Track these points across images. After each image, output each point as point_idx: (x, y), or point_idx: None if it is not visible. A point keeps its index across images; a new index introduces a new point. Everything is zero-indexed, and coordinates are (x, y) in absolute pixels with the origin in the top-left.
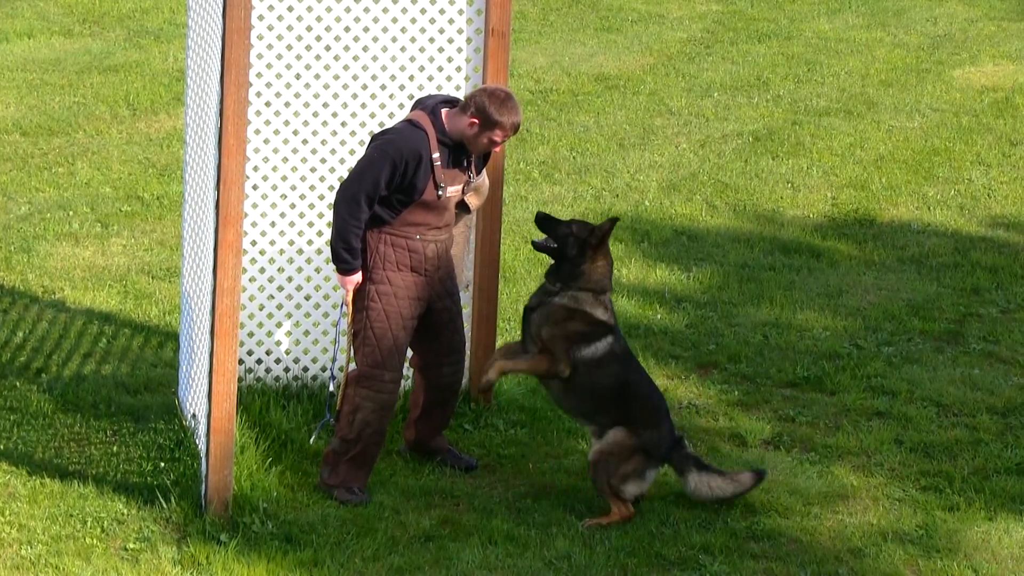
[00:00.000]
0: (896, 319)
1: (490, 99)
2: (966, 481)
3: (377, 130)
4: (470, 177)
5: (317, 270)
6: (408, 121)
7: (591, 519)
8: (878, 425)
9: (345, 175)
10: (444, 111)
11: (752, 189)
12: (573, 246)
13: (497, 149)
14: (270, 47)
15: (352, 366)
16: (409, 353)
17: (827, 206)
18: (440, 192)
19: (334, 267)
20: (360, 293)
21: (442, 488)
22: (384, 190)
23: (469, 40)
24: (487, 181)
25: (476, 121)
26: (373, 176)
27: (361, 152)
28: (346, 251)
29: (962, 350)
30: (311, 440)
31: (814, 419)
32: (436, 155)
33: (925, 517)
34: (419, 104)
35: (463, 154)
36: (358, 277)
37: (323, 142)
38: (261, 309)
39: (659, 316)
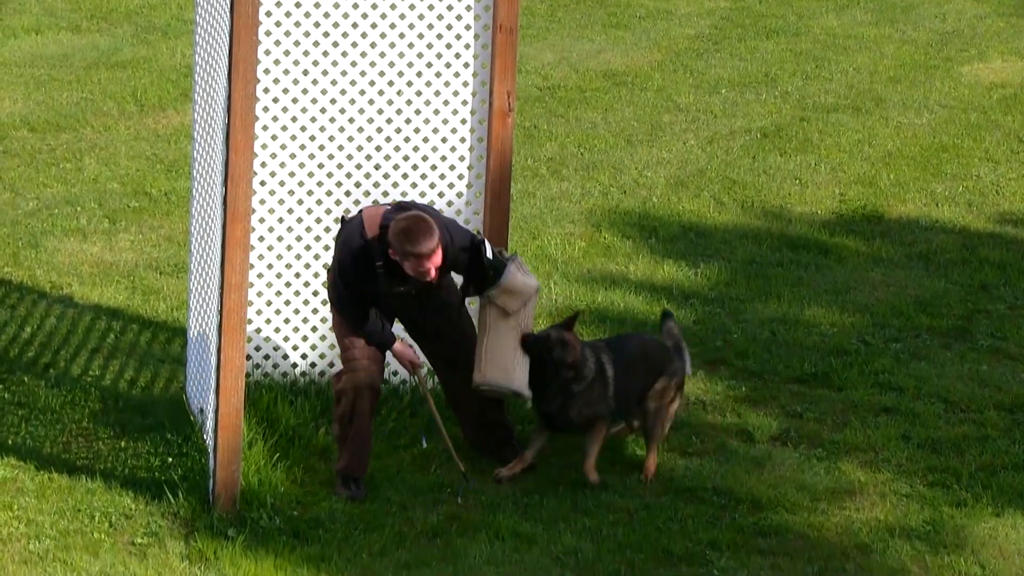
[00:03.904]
0: (904, 315)
1: (395, 230)
2: (973, 477)
3: (384, 125)
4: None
5: (325, 266)
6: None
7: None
8: (885, 421)
9: (352, 171)
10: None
11: (760, 185)
12: None
13: (430, 278)
14: (278, 43)
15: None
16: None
17: (835, 202)
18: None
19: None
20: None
21: (449, 484)
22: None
23: (477, 36)
24: (522, 280)
25: (392, 251)
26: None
27: (369, 148)
28: (374, 336)
29: (970, 346)
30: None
31: (821, 415)
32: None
33: (932, 513)
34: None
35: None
36: (398, 345)
37: (331, 138)
38: (269, 305)
39: None
